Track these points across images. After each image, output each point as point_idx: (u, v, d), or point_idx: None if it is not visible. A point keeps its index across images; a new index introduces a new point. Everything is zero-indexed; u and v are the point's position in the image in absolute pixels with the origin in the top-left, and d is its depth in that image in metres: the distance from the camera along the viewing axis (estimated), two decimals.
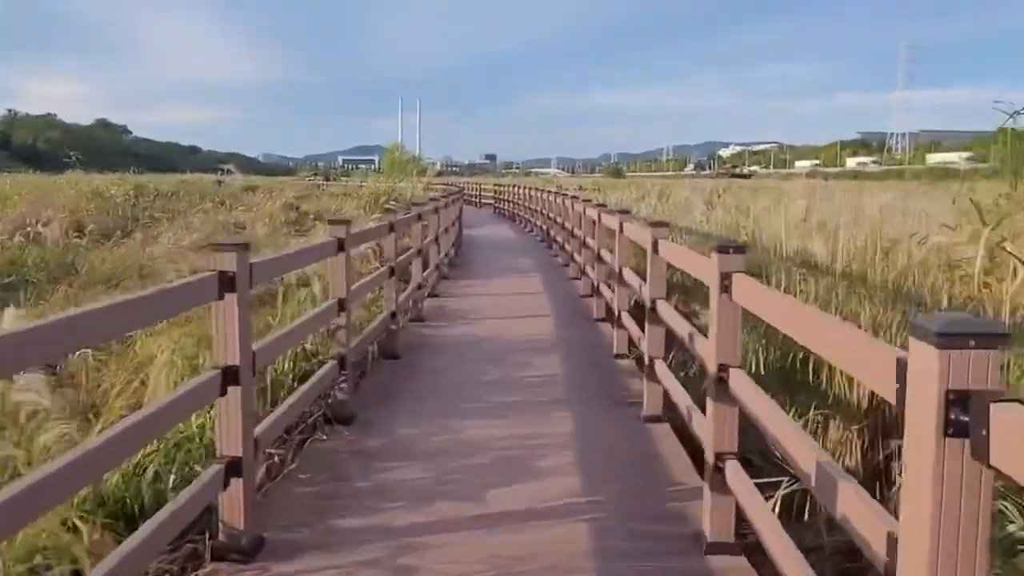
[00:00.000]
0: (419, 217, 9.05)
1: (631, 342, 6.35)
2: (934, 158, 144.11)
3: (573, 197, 12.68)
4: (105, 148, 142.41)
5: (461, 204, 17.84)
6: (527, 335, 7.35)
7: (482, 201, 37.83)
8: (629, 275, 6.31)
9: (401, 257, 7.44)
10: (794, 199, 18.08)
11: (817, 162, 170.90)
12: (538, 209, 18.74)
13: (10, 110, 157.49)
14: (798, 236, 12.73)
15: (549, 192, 17.85)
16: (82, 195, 19.56)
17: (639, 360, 5.76)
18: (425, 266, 9.20)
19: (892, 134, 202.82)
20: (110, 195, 20.84)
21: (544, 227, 17.07)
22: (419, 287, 8.32)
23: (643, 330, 5.27)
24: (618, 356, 6.51)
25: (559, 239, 13.78)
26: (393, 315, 6.55)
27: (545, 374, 6.03)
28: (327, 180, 46.14)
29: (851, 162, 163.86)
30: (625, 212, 7.29)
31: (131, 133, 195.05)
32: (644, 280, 5.24)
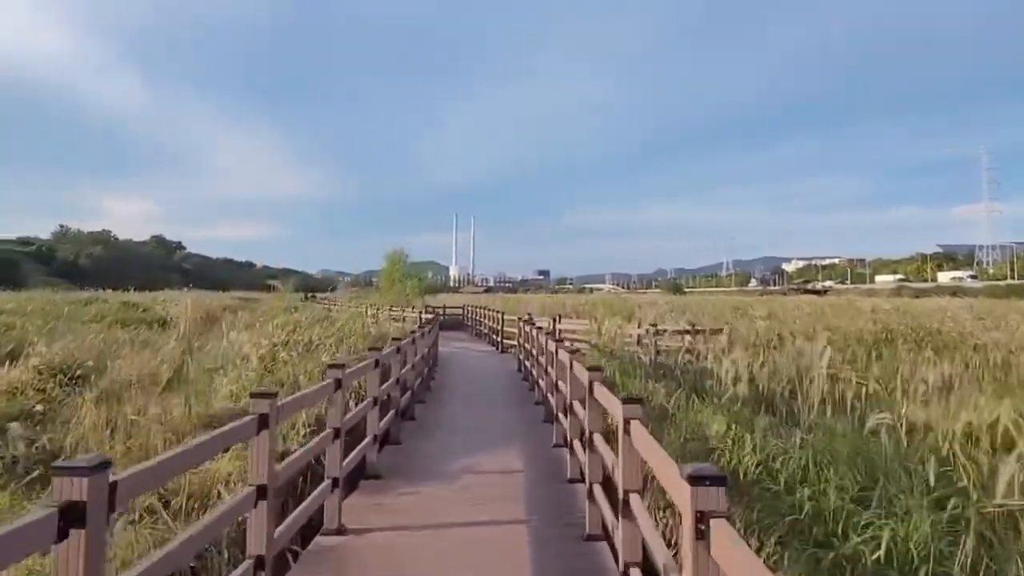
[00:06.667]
0: None
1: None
2: None
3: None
4: (152, 264, 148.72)
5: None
6: None
7: (503, 340, 23.23)
8: (578, 408, 7.17)
9: None
10: None
11: (901, 276, 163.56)
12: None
13: (61, 226, 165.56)
14: None
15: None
16: None
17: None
18: None
19: (981, 246, 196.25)
20: None
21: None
22: None
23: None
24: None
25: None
26: None
27: None
28: (310, 298, 47.84)
29: (942, 276, 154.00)
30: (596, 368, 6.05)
31: (184, 249, 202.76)
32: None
